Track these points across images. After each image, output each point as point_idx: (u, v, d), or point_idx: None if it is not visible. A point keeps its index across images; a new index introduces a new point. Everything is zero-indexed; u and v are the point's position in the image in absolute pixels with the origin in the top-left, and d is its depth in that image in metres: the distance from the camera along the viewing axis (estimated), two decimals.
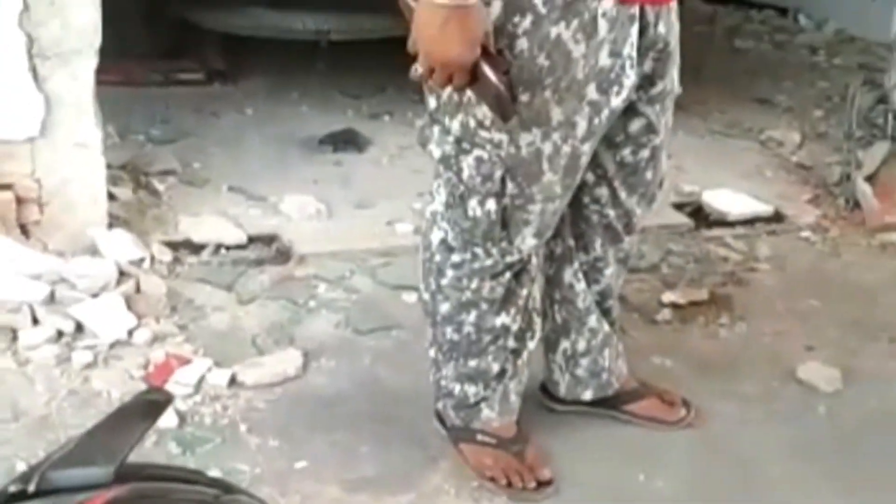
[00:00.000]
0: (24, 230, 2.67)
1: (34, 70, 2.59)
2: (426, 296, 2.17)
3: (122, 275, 2.66)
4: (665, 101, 2.10)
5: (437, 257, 2.11)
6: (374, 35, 3.40)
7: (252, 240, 3.00)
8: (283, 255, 2.96)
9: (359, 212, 3.24)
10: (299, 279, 2.87)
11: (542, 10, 1.81)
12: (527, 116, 1.89)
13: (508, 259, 2.07)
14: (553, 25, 1.82)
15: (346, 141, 3.63)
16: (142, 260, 2.74)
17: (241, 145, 3.58)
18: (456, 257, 2.08)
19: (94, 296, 2.58)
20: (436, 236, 2.10)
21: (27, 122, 2.61)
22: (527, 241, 2.06)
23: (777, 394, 2.56)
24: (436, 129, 1.99)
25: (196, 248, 2.92)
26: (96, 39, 2.65)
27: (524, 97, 1.86)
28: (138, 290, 2.64)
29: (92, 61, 2.66)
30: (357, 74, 4.18)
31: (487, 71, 1.74)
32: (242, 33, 3.55)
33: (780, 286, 3.09)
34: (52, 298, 2.54)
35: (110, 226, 2.82)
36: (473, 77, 1.74)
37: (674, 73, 2.09)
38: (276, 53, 4.14)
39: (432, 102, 1.98)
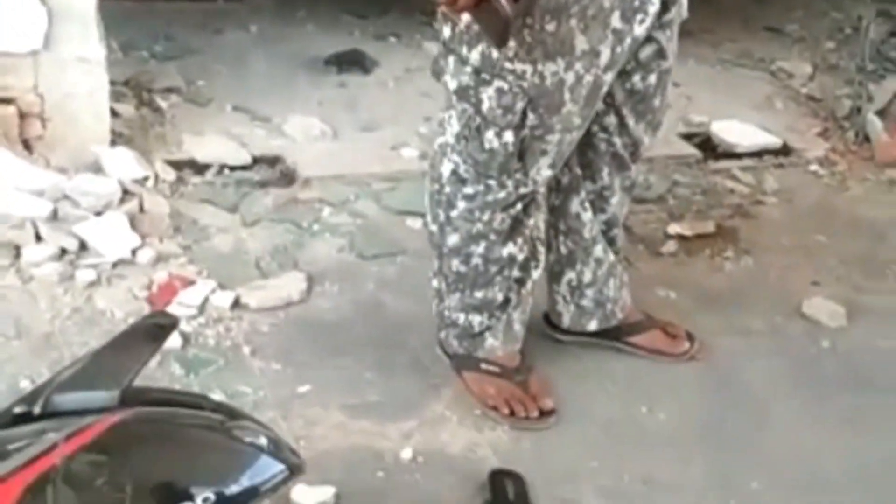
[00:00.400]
0: (26, 145, 2.64)
1: None
2: (433, 227, 2.15)
3: (126, 193, 2.64)
4: (673, 27, 2.08)
5: (447, 189, 2.08)
6: None
7: (256, 161, 2.97)
8: (288, 178, 2.93)
9: (364, 135, 3.20)
10: (303, 202, 2.84)
11: None
12: (552, 45, 1.85)
13: (522, 190, 2.05)
14: None
15: (352, 62, 3.58)
16: (145, 178, 2.72)
17: (245, 64, 3.52)
18: (468, 189, 2.05)
19: (98, 214, 2.55)
20: (446, 168, 2.07)
21: (30, 35, 2.57)
22: (542, 173, 2.03)
23: (782, 329, 2.55)
24: (451, 59, 1.94)
25: (200, 168, 2.89)
26: None
27: (550, 26, 1.83)
28: (142, 209, 2.62)
29: None
30: None
31: None
32: None
33: (787, 220, 3.07)
34: (55, 215, 2.52)
35: (113, 143, 2.79)
36: None
37: None
38: None
39: (447, 31, 1.93)
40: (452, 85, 1.96)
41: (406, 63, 3.69)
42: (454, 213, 2.09)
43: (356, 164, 3.03)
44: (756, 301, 2.64)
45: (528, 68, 1.87)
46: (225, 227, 2.69)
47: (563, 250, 2.28)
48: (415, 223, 2.81)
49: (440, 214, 2.12)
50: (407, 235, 2.77)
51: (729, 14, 4.49)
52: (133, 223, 2.55)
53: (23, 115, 2.60)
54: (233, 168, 2.92)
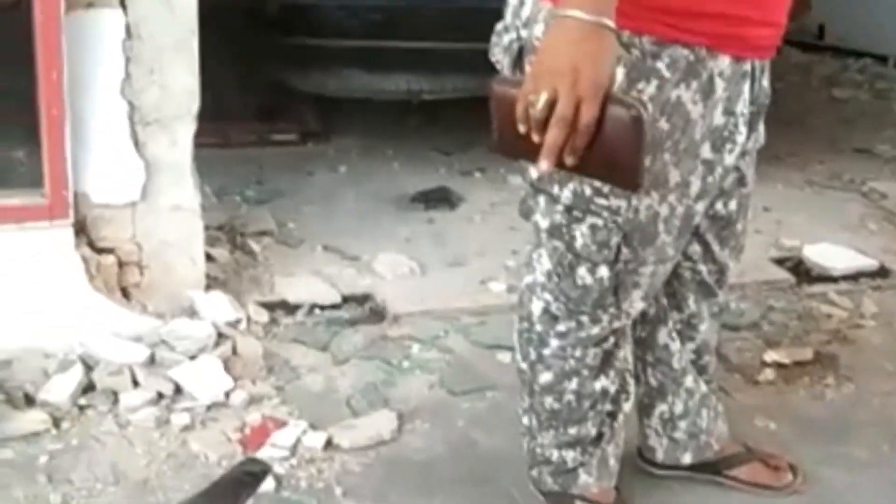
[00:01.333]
0: (124, 292, 2.71)
1: (135, 136, 2.65)
2: (523, 365, 2.13)
3: (220, 336, 2.69)
4: (753, 153, 2.08)
5: (539, 327, 2.08)
6: (463, 94, 3.42)
7: (346, 299, 3.01)
8: (377, 315, 2.96)
9: (452, 270, 3.23)
10: (393, 339, 2.86)
11: (667, 74, 1.78)
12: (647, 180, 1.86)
13: (615, 325, 2.04)
14: (675, 88, 1.80)
15: (439, 198, 3.64)
16: (238, 321, 2.77)
17: (334, 204, 3.60)
18: (561, 326, 2.04)
19: (193, 357, 2.60)
20: (536, 307, 2.07)
21: (128, 187, 2.67)
22: (635, 305, 2.02)
23: (888, 459, 2.46)
24: (541, 198, 1.96)
25: (291, 309, 2.94)
26: (194, 105, 2.70)
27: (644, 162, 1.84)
28: (235, 351, 2.66)
29: (191, 126, 2.71)
30: (448, 131, 4.20)
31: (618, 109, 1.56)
32: (338, 95, 3.60)
33: (888, 344, 2.98)
34: (151, 360, 2.57)
35: (208, 287, 2.86)
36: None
37: (762, 123, 2.07)
38: (368, 112, 4.18)
39: (534, 172, 1.95)
40: (544, 224, 1.97)
41: (491, 198, 3.74)
42: (546, 352, 2.08)
43: (445, 299, 3.05)
44: (860, 429, 2.55)
45: (623, 203, 1.88)
46: (316, 366, 2.71)
47: (653, 382, 2.25)
48: (504, 357, 2.80)
49: (531, 353, 2.11)
50: (497, 370, 2.76)
51: (816, 136, 4.49)
52: (227, 366, 2.58)
53: (121, 264, 2.69)
54: (323, 307, 2.96)
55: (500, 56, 1.94)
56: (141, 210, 2.69)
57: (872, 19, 5.34)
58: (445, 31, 3.15)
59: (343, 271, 3.16)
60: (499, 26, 1.95)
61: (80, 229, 2.63)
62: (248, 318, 2.81)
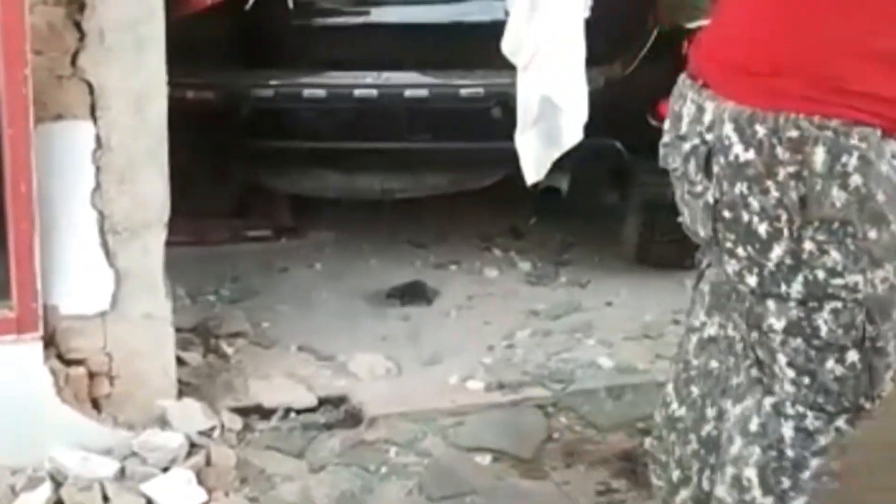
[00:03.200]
0: (95, 404, 2.67)
1: (105, 245, 2.63)
2: (768, 500, 1.99)
3: (193, 446, 2.64)
4: None
5: (791, 452, 1.96)
6: (436, 191, 3.44)
7: (322, 402, 2.97)
8: (354, 418, 2.92)
9: (428, 369, 3.20)
10: (370, 443, 2.82)
11: (863, 146, 1.82)
12: (877, 252, 1.86)
13: (865, 415, 1.97)
14: (878, 161, 1.82)
15: (414, 294, 3.62)
16: (212, 429, 2.72)
17: (309, 302, 3.58)
18: (822, 440, 1.96)
19: (165, 469, 2.55)
20: (787, 429, 1.96)
21: (98, 297, 2.64)
22: (886, 388, 1.96)
23: None
24: (770, 302, 1.91)
25: (266, 413, 2.90)
26: (165, 213, 2.69)
27: (872, 233, 1.84)
28: (208, 461, 2.61)
29: (161, 234, 2.70)
30: (422, 223, 4.19)
31: None
32: (311, 195, 3.61)
33: None
34: (122, 474, 2.52)
35: (180, 393, 2.81)
36: None
37: None
38: (342, 206, 4.17)
39: (752, 280, 1.92)
40: (779, 325, 1.91)
41: (467, 290, 3.72)
42: (805, 475, 1.97)
43: (422, 400, 3.01)
44: None
45: (859, 278, 1.86)
46: (291, 474, 2.66)
47: None
48: (483, 460, 2.77)
49: (783, 482, 1.97)
50: (475, 473, 2.72)
51: None
52: (199, 477, 2.54)
53: (91, 375, 2.65)
54: (299, 411, 2.92)
55: (678, 163, 1.99)
56: (111, 320, 2.66)
57: None
58: (417, 131, 3.16)
59: (318, 372, 3.13)
60: (667, 138, 2.02)
61: (50, 341, 2.59)
62: (222, 426, 2.76)
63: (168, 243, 3.67)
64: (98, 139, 2.59)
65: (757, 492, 1.99)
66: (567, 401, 3.05)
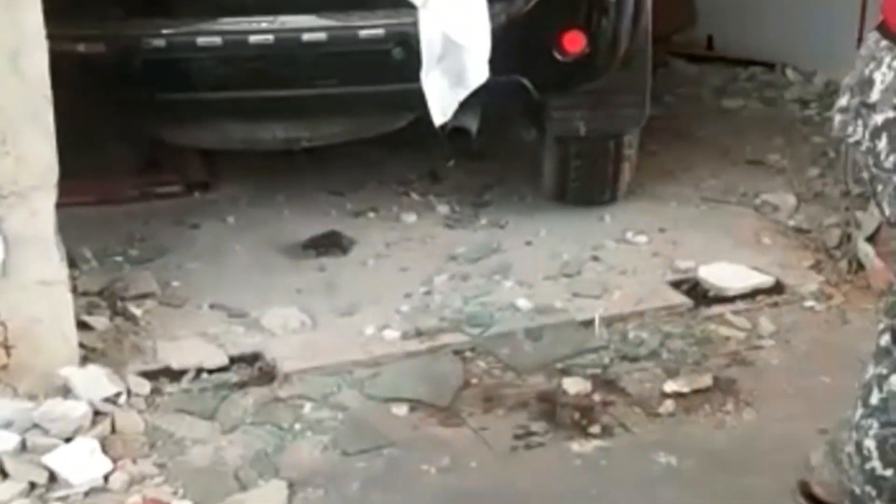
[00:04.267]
0: None
1: None
2: (888, 472, 1.97)
3: (98, 414, 2.56)
4: None
5: None
6: (343, 138, 3.34)
7: (234, 360, 2.90)
8: (267, 375, 2.85)
9: (344, 320, 3.13)
10: (284, 400, 2.76)
11: None
12: None
13: None
14: None
15: (330, 244, 3.54)
16: (118, 395, 2.64)
17: (221, 258, 3.48)
18: None
19: (68, 440, 2.47)
20: None
21: None
22: None
23: (793, 486, 2.41)
24: None
25: (176, 375, 2.82)
26: (54, 175, 2.58)
27: None
28: (114, 429, 2.54)
29: (51, 197, 2.59)
30: (339, 170, 4.10)
31: None
32: (215, 148, 3.49)
33: (787, 364, 2.96)
34: (23, 447, 2.44)
35: (85, 359, 2.73)
36: None
37: None
38: (256, 157, 4.06)
39: None
40: None
41: (385, 238, 3.65)
42: None
43: (337, 352, 2.95)
44: (763, 457, 2.51)
45: None
46: (203, 437, 2.60)
47: None
48: (400, 410, 2.72)
49: None
50: (392, 424, 2.68)
51: (709, 149, 4.47)
52: (105, 446, 2.46)
53: None
54: (210, 371, 2.85)
55: (861, 136, 1.79)
56: (3, 288, 2.55)
57: (759, 27, 5.38)
58: (318, 77, 3.06)
59: (231, 329, 3.05)
60: (846, 102, 1.82)
61: None
62: (129, 391, 2.68)
63: (73, 203, 3.56)
64: None
65: (877, 462, 1.96)
66: (485, 345, 3.01)
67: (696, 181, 4.14)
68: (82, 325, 2.92)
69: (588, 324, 3.12)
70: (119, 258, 3.44)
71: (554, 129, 3.56)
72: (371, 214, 3.85)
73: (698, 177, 4.17)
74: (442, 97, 2.77)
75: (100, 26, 2.91)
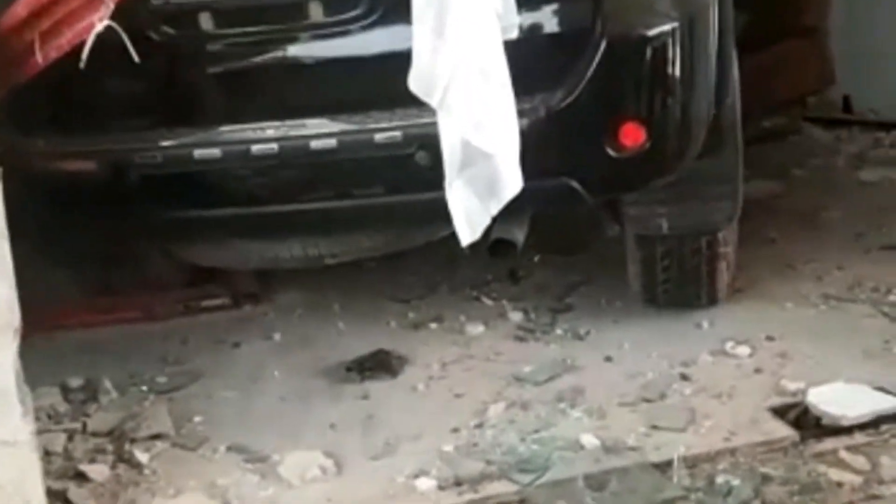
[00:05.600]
0: None
1: None
2: None
3: None
4: None
5: None
6: (371, 253, 2.93)
7: None
8: None
9: (375, 464, 2.70)
10: None
11: None
12: None
13: None
14: None
15: (377, 366, 3.13)
16: None
17: (257, 384, 3.12)
18: None
19: None
20: None
21: None
22: None
23: None
24: None
25: None
26: (15, 318, 2.26)
27: None
28: None
29: (12, 344, 2.27)
30: (408, 273, 3.72)
31: None
32: (229, 267, 3.15)
33: None
34: None
35: None
36: None
37: None
38: None
39: None
40: None
41: (443, 354, 3.22)
42: None
43: None
44: None
45: None
46: None
47: None
48: None
49: None
50: None
51: (837, 234, 3.88)
52: None
53: None
54: None
55: None
56: None
57: None
58: (333, 189, 2.67)
59: (243, 479, 2.66)
60: None
61: None
62: None
63: (113, 321, 3.28)
64: None
65: None
66: (535, 498, 2.52)
67: (818, 274, 3.56)
68: (79, 476, 2.61)
69: (666, 466, 2.59)
70: (144, 388, 3.12)
71: (632, 227, 3.06)
72: (433, 325, 3.44)
73: (821, 269, 3.59)
74: (469, 212, 2.34)
75: (87, 142, 2.61)
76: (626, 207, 2.98)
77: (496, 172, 2.34)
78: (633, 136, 2.52)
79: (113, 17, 2.36)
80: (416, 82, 2.30)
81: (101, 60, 2.37)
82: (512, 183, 2.35)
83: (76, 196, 2.64)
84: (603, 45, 2.48)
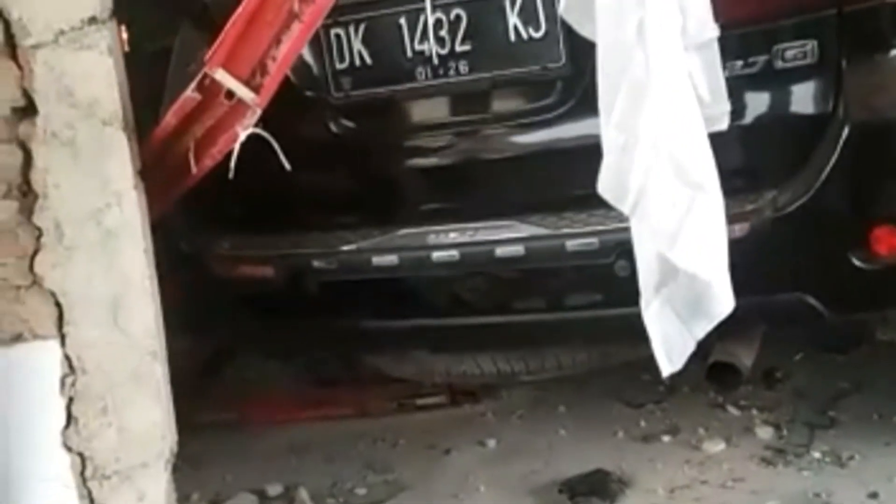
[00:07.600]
0: None
1: (89, 496, 2.07)
2: None
3: None
4: None
5: None
6: (570, 372, 2.56)
7: None
8: None
9: None
10: None
11: None
12: None
13: None
14: None
15: (592, 490, 2.74)
16: None
17: (457, 498, 2.82)
18: None
19: None
20: None
21: None
22: None
23: None
24: None
25: None
26: (167, 448, 2.10)
27: None
28: None
29: (163, 475, 2.11)
30: (646, 370, 3.31)
31: None
32: (416, 379, 2.87)
33: None
34: None
35: None
36: None
37: None
38: None
39: None
40: None
41: (672, 476, 2.79)
42: None
43: None
44: None
45: None
46: None
47: None
48: None
49: None
50: None
51: None
52: None
53: None
54: None
55: None
56: None
57: None
58: (522, 301, 2.34)
59: None
60: None
61: None
62: None
63: (322, 418, 3.14)
64: (68, 361, 2.05)
65: None
66: None
67: None
68: None
69: None
70: (341, 499, 2.89)
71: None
72: (666, 438, 3.01)
73: None
74: (667, 338, 1.94)
75: (265, 245, 2.43)
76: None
77: (701, 290, 1.94)
78: (888, 242, 2.02)
79: (290, 113, 2.20)
80: (605, 185, 1.94)
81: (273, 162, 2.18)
82: (722, 301, 1.94)
83: (260, 301, 2.47)
84: (845, 133, 2.01)
